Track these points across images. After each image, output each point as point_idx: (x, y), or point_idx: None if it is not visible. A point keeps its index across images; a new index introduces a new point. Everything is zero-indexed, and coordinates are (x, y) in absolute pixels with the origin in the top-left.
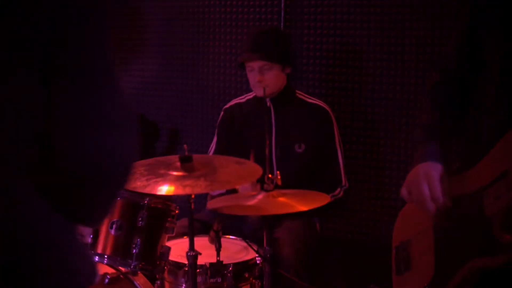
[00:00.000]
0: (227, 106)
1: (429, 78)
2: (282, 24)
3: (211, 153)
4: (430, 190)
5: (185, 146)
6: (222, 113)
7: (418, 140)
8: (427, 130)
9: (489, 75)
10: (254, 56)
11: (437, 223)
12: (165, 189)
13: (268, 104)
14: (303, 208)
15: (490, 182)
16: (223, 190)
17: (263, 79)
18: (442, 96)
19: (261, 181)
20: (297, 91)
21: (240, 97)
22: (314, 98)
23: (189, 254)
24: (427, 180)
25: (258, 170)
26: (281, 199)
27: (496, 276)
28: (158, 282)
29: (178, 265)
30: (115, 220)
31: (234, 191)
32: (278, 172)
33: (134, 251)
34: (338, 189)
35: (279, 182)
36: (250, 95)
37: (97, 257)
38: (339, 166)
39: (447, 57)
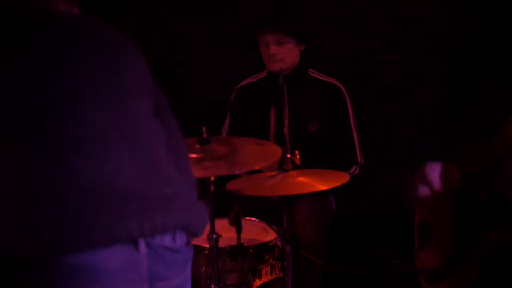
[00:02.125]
0: (238, 86)
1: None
2: None
3: (224, 134)
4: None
5: (203, 128)
6: (234, 92)
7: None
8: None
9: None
10: (269, 28)
11: (457, 206)
12: None
13: (280, 82)
14: (323, 187)
15: (503, 156)
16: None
17: (278, 52)
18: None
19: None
20: (310, 70)
21: (252, 77)
22: (327, 76)
23: (210, 236)
24: (425, 183)
25: (277, 151)
26: (300, 178)
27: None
28: None
29: (198, 248)
30: None
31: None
32: (297, 152)
33: None
34: (354, 167)
35: (298, 162)
36: (261, 75)
37: None
38: (354, 143)
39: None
